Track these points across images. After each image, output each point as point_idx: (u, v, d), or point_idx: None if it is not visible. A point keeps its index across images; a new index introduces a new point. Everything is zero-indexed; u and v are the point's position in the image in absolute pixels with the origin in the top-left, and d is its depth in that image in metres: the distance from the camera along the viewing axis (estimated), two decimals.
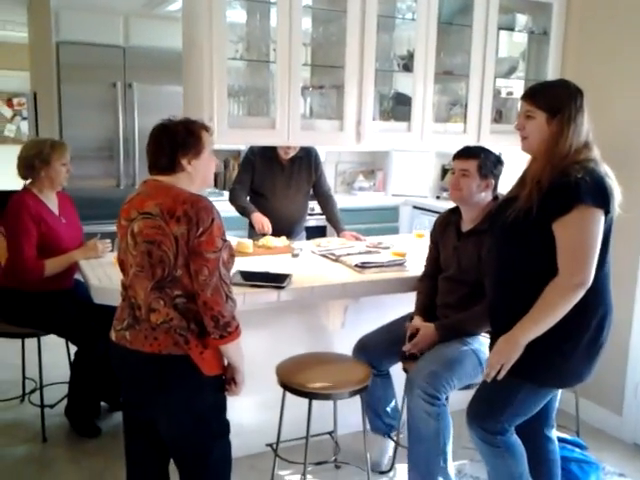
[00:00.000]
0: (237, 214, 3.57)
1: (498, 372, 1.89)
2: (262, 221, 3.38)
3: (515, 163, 2.23)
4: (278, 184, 3.53)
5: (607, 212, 1.83)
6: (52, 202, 2.95)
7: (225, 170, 5.23)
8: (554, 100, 1.91)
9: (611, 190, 1.85)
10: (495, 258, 2.05)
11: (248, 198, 3.58)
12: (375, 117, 3.07)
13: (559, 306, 1.81)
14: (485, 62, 3.16)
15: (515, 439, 2.06)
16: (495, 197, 2.45)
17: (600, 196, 1.82)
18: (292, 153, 3.44)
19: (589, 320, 1.89)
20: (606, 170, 1.90)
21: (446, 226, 2.55)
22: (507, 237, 1.96)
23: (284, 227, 3.46)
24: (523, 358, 1.87)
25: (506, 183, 2.25)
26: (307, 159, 3.55)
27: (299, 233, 3.69)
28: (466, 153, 2.41)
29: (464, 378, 2.33)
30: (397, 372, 2.60)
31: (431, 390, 2.23)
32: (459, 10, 3.18)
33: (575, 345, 1.90)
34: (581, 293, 1.81)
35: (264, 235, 3.29)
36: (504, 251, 1.99)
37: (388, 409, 2.68)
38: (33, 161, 2.83)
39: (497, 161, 2.42)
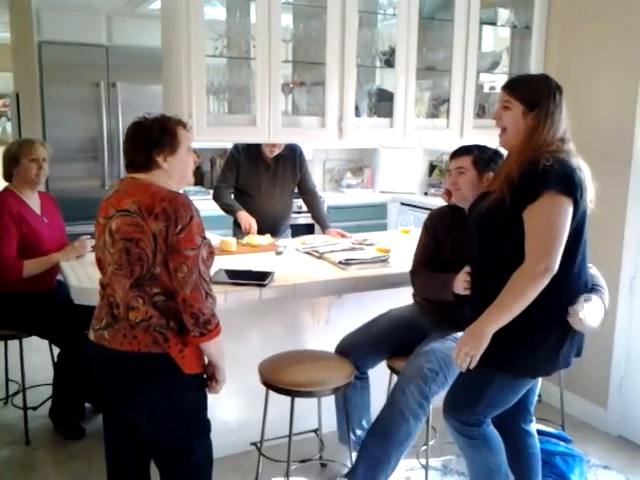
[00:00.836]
0: (222, 213, 3.56)
1: (470, 363, 1.88)
2: (248, 220, 3.36)
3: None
4: (263, 182, 3.51)
5: (575, 201, 1.82)
6: (34, 202, 2.93)
7: (212, 169, 5.21)
8: (533, 94, 1.91)
9: (580, 181, 1.84)
10: (473, 252, 2.05)
11: (232, 196, 3.56)
12: (362, 113, 3.07)
13: (525, 293, 1.80)
14: (467, 57, 3.15)
15: (492, 430, 2.06)
16: None
17: (568, 184, 1.81)
18: (277, 151, 3.43)
19: (558, 311, 1.88)
20: (579, 163, 1.88)
21: (451, 223, 2.42)
22: (481, 229, 1.96)
23: (269, 225, 3.45)
24: (495, 348, 1.86)
25: None
26: (292, 157, 3.54)
27: (284, 231, 3.67)
28: (459, 151, 2.35)
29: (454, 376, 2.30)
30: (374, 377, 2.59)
31: (426, 391, 2.20)
32: (441, 5, 3.18)
33: (545, 336, 1.89)
34: (546, 280, 1.79)
35: (249, 234, 3.28)
36: (480, 243, 1.99)
37: (363, 421, 2.60)
38: (5, 162, 2.86)
39: (495, 154, 2.33)
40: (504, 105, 1.94)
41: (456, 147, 2.41)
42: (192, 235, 1.75)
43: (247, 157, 3.47)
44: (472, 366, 1.88)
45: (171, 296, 1.80)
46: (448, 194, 2.43)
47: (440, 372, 2.23)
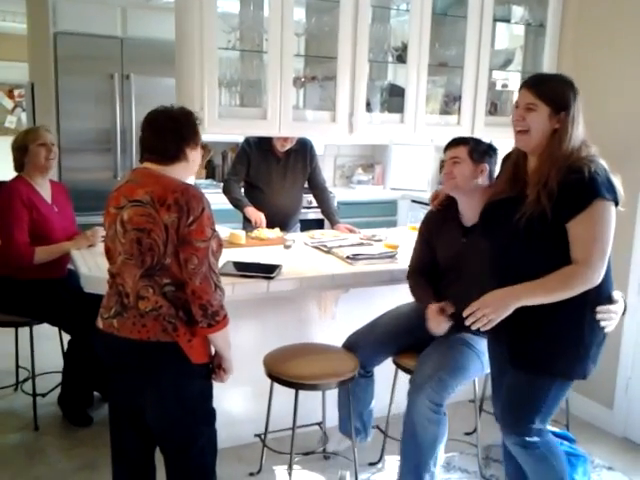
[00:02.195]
0: (231, 206, 3.57)
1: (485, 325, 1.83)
2: (257, 215, 3.38)
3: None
4: (274, 176, 3.52)
5: (616, 205, 1.83)
6: (45, 190, 2.96)
7: (223, 162, 5.23)
8: (560, 97, 1.85)
9: (617, 185, 1.83)
10: (500, 262, 1.98)
11: (243, 190, 3.57)
12: (374, 109, 3.06)
13: (572, 290, 1.80)
14: (480, 54, 3.14)
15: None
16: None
17: (612, 190, 1.81)
18: (288, 146, 3.43)
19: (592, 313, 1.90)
20: (606, 165, 1.86)
21: (443, 222, 2.43)
22: (518, 241, 1.88)
23: (279, 219, 3.46)
24: (549, 355, 1.88)
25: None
26: (302, 151, 3.54)
27: (294, 225, 3.69)
28: (455, 141, 2.36)
29: (467, 380, 2.32)
30: (377, 376, 2.60)
31: (437, 398, 2.20)
32: (454, 1, 3.17)
33: (595, 335, 1.90)
34: (588, 286, 1.81)
35: (259, 227, 3.29)
36: (518, 256, 1.91)
37: (363, 414, 2.62)
38: (15, 153, 2.90)
39: (489, 148, 2.34)
40: (529, 107, 1.87)
41: (450, 139, 2.41)
42: (203, 227, 1.77)
43: (258, 151, 3.48)
44: (484, 329, 1.83)
45: (181, 287, 1.81)
46: (435, 198, 2.48)
47: (448, 379, 2.22)
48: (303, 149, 3.54)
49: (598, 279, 1.81)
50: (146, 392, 1.90)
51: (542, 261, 1.87)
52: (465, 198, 2.35)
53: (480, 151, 2.31)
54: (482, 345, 2.28)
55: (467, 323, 1.85)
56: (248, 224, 3.48)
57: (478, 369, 2.31)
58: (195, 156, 1.91)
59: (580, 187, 1.78)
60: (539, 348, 1.90)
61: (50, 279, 2.89)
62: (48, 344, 3.22)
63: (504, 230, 1.92)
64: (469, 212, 2.34)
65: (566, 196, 1.79)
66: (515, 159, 2.00)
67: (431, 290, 2.40)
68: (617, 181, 1.85)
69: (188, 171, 1.94)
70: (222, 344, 1.90)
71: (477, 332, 2.28)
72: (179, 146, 1.86)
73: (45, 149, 2.90)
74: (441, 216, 2.46)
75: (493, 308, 1.81)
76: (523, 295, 1.82)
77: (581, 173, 1.78)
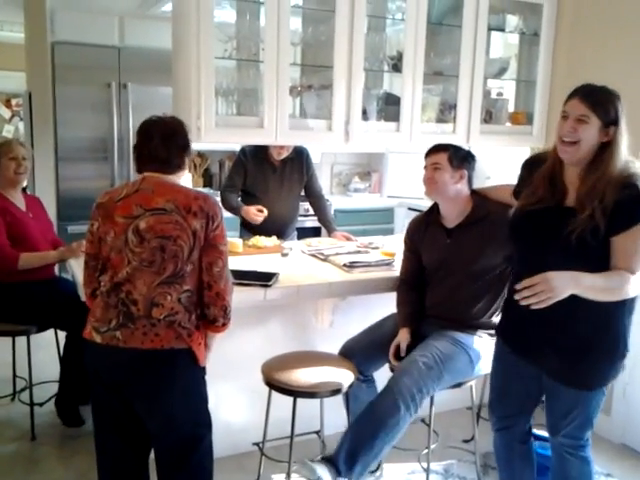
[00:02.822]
0: (229, 214, 3.58)
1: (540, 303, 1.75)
2: (254, 210, 3.38)
3: (509, 162, 2.21)
4: (270, 185, 3.54)
5: None
6: (18, 200, 2.99)
7: (220, 171, 5.24)
8: (612, 111, 1.83)
9: None
10: (536, 268, 1.84)
11: (239, 199, 3.58)
12: (371, 117, 3.08)
13: (626, 292, 1.80)
14: (475, 63, 3.16)
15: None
16: (473, 191, 2.45)
17: None
18: (285, 154, 3.45)
19: (632, 307, 1.92)
20: None
21: (426, 227, 2.52)
22: (570, 255, 1.84)
23: (276, 228, 3.46)
24: (589, 369, 1.91)
25: (503, 180, 2.21)
26: (298, 160, 3.56)
27: (290, 234, 3.69)
28: (436, 148, 2.43)
29: (455, 375, 2.32)
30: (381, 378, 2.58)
31: (419, 386, 2.20)
32: (449, 10, 3.19)
33: (626, 343, 1.92)
34: (632, 294, 1.83)
35: (259, 221, 3.35)
36: (562, 265, 1.82)
37: None
38: None
39: (467, 154, 2.43)
40: (581, 118, 1.82)
41: (431, 145, 2.47)
42: (223, 231, 1.90)
43: (254, 160, 3.49)
44: (536, 306, 1.72)
45: (196, 292, 1.88)
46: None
47: (435, 367, 2.24)
48: (299, 157, 3.55)
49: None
50: (155, 400, 1.88)
51: (584, 270, 1.82)
52: (446, 202, 2.44)
53: (459, 158, 2.40)
54: (469, 340, 2.34)
55: (518, 297, 1.73)
56: (245, 231, 3.49)
57: (465, 360, 2.31)
58: (188, 164, 2.01)
59: (634, 203, 1.78)
60: (582, 364, 1.92)
61: (37, 280, 2.89)
62: (45, 353, 3.21)
63: (549, 241, 1.89)
64: (451, 215, 2.44)
65: (619, 211, 1.78)
66: (551, 167, 1.95)
67: (412, 311, 2.49)
68: None
69: (184, 179, 2.00)
70: (214, 344, 2.02)
71: (464, 329, 2.35)
72: (181, 155, 1.94)
73: (15, 163, 2.92)
74: (423, 222, 2.55)
75: (554, 285, 1.70)
76: (586, 281, 1.77)
77: (635, 189, 1.78)
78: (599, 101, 1.83)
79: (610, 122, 1.82)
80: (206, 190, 4.99)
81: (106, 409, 1.99)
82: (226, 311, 1.92)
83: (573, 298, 1.77)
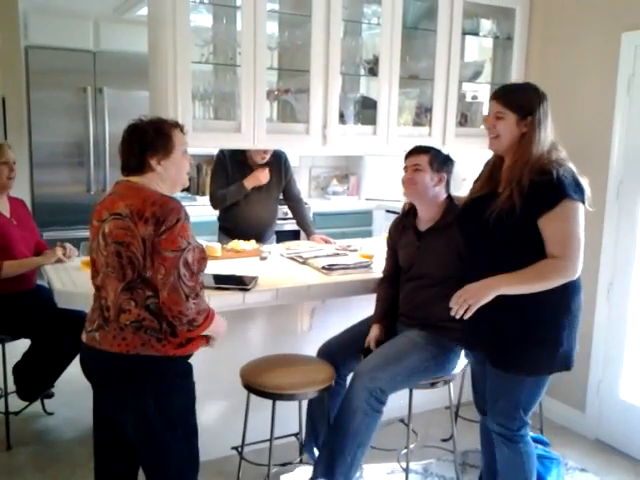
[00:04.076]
0: (209, 218, 3.57)
1: (466, 310, 1.92)
2: (259, 176, 3.37)
3: (480, 165, 2.26)
4: (250, 189, 3.53)
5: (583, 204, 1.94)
6: (2, 205, 2.94)
7: (198, 175, 5.22)
8: (525, 102, 2.00)
9: (584, 185, 1.94)
10: (472, 258, 2.10)
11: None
12: (348, 121, 3.10)
13: (550, 282, 1.91)
14: (450, 66, 3.20)
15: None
16: (449, 196, 2.48)
17: (579, 191, 1.92)
18: (268, 157, 3.43)
19: (574, 304, 2.01)
20: (574, 168, 1.98)
21: (402, 229, 2.58)
22: (491, 237, 1.99)
23: (255, 231, 3.46)
24: (517, 354, 1.98)
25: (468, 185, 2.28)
26: (277, 163, 3.56)
27: (269, 237, 3.69)
28: (417, 150, 2.47)
29: (410, 374, 2.32)
30: None
31: (372, 387, 2.23)
32: (424, 15, 3.23)
33: (570, 330, 1.99)
34: (564, 280, 1.91)
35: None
36: (490, 251, 2.02)
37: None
38: None
39: (447, 158, 2.48)
40: (498, 115, 2.01)
41: (412, 147, 2.51)
42: (174, 237, 1.75)
43: (232, 161, 3.48)
44: (466, 316, 1.93)
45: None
46: (406, 209, 2.62)
47: (387, 367, 2.26)
48: (278, 161, 3.55)
49: (575, 272, 1.91)
50: (127, 407, 1.88)
51: (512, 257, 1.96)
52: (423, 204, 2.48)
53: (440, 161, 2.44)
54: (431, 340, 2.36)
55: (452, 313, 1.95)
56: (224, 236, 3.49)
57: (424, 357, 2.33)
58: (168, 165, 1.86)
59: (549, 187, 1.90)
60: (512, 348, 1.99)
61: (17, 292, 2.85)
62: None
63: (477, 226, 2.03)
64: (425, 217, 2.49)
65: (535, 195, 1.90)
66: (492, 161, 2.13)
67: (388, 308, 2.53)
68: (585, 183, 1.96)
69: (165, 182, 1.88)
70: (214, 332, 1.92)
71: (429, 329, 2.39)
72: (141, 157, 1.84)
73: (7, 168, 2.88)
74: (401, 223, 2.60)
75: (471, 294, 1.92)
76: (502, 284, 1.93)
77: (550, 175, 1.90)
78: (512, 98, 2.02)
79: (526, 114, 1.97)
80: (183, 194, 4.97)
81: (99, 410, 2.00)
82: (182, 321, 1.78)
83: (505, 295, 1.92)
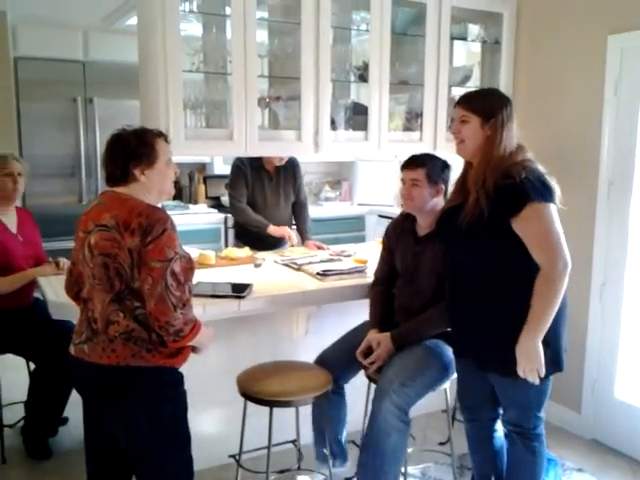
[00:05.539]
0: (210, 226, 3.58)
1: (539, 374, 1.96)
2: (284, 231, 3.49)
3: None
4: (268, 194, 3.60)
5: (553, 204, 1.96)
6: (9, 218, 2.92)
7: (190, 183, 5.22)
8: (488, 106, 2.04)
9: (553, 185, 1.96)
10: (452, 264, 2.13)
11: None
12: (339, 127, 3.12)
13: (555, 296, 1.91)
14: (439, 71, 3.23)
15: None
16: None
17: (547, 191, 1.93)
18: (284, 161, 3.53)
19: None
20: (543, 168, 2.00)
21: (401, 232, 2.57)
22: (464, 243, 2.03)
23: (275, 237, 3.51)
24: (507, 356, 1.97)
25: None
26: (291, 168, 3.66)
27: (286, 243, 3.72)
28: (414, 163, 2.44)
29: (432, 385, 2.35)
30: (352, 388, 2.61)
31: (401, 403, 2.23)
32: (412, 21, 3.25)
33: (555, 331, 2.00)
34: (567, 277, 1.91)
35: (292, 245, 3.46)
36: (464, 257, 2.05)
37: (340, 436, 2.61)
38: None
39: (444, 166, 2.47)
40: (462, 119, 2.06)
41: (408, 157, 2.49)
42: (161, 247, 1.74)
43: (252, 169, 3.54)
44: (543, 375, 1.95)
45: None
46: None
47: (411, 383, 2.26)
48: (291, 165, 3.65)
49: (566, 268, 1.91)
50: (118, 418, 1.88)
51: (487, 263, 1.99)
52: (422, 215, 2.49)
53: (437, 173, 2.42)
54: (443, 348, 2.37)
55: (530, 380, 1.96)
56: (240, 243, 3.51)
57: (441, 371, 2.35)
58: (152, 175, 1.85)
59: (512, 191, 1.92)
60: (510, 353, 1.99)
61: (14, 309, 2.83)
62: (14, 374, 3.13)
63: (453, 233, 2.07)
64: (424, 223, 2.49)
65: (501, 199, 1.93)
66: (464, 169, 2.16)
67: (382, 312, 2.53)
68: (553, 182, 1.97)
69: (151, 191, 1.87)
70: (199, 342, 1.90)
71: (438, 336, 2.39)
72: (124, 167, 1.83)
73: (11, 180, 2.86)
74: (399, 227, 2.60)
75: (530, 362, 1.94)
76: (534, 336, 1.93)
77: (513, 179, 1.92)
78: (475, 102, 2.07)
79: (489, 117, 2.00)
80: (175, 203, 4.96)
81: (90, 422, 1.99)
82: (168, 332, 1.76)
83: (487, 293, 1.98)
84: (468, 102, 2.08)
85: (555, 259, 1.90)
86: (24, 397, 3.03)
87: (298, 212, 3.76)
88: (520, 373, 1.96)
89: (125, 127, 1.89)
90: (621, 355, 2.97)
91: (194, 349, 1.94)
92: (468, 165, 2.12)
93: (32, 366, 2.98)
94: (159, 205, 1.91)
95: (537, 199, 1.90)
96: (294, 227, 3.72)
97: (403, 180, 2.47)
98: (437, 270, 2.36)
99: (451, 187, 2.40)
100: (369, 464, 2.29)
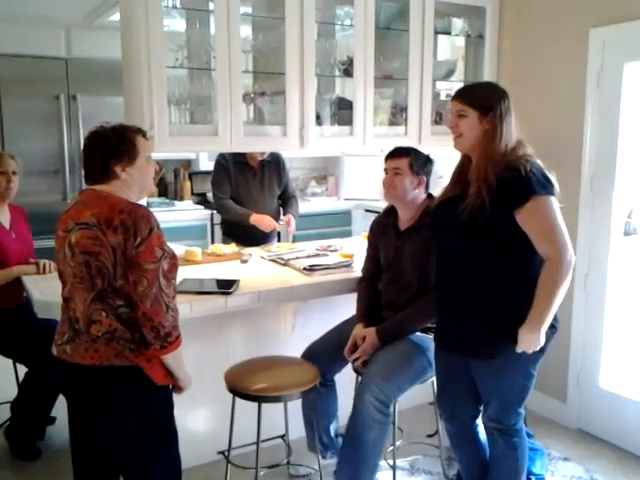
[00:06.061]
0: (196, 222, 3.57)
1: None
2: (266, 220, 3.47)
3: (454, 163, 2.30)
4: (253, 189, 3.60)
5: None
6: (3, 216, 2.90)
7: (175, 180, 5.19)
8: (485, 100, 2.02)
9: (553, 180, 1.98)
10: (446, 259, 2.12)
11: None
12: (324, 122, 3.12)
13: (560, 287, 1.93)
14: (423, 66, 3.24)
15: (524, 433, 2.18)
16: (429, 195, 2.51)
17: (549, 185, 1.95)
18: (266, 156, 3.53)
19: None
20: (541, 163, 2.01)
21: (384, 227, 2.59)
22: (464, 236, 2.02)
23: (262, 232, 3.51)
24: (501, 337, 2.00)
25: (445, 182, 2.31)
26: (275, 163, 3.66)
27: (274, 237, 3.72)
28: (397, 152, 2.48)
29: (415, 379, 2.37)
30: (342, 382, 2.62)
31: (383, 396, 2.25)
32: (396, 15, 3.26)
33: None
34: (572, 268, 1.94)
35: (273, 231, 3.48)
36: (463, 250, 2.04)
37: (330, 427, 2.64)
38: None
39: (427, 160, 2.49)
40: (460, 113, 2.04)
41: (392, 148, 2.51)
42: (152, 248, 1.73)
43: (235, 164, 3.54)
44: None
45: (135, 308, 1.78)
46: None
47: (393, 378, 2.28)
48: (276, 160, 3.65)
49: (572, 260, 1.94)
50: (104, 419, 1.85)
51: (485, 255, 2.00)
52: (403, 206, 2.50)
53: (420, 164, 2.45)
54: (427, 342, 2.38)
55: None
56: (227, 239, 3.50)
57: (425, 366, 2.37)
58: (133, 172, 1.84)
59: (517, 184, 1.92)
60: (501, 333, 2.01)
61: (4, 308, 2.80)
62: (1, 375, 3.11)
63: (449, 226, 2.06)
64: (405, 217, 2.51)
65: (505, 192, 1.93)
66: (461, 161, 2.15)
67: (369, 307, 2.54)
68: (552, 177, 1.99)
69: (132, 189, 1.86)
70: (173, 364, 1.85)
71: (424, 330, 2.40)
72: (105, 164, 1.81)
73: (5, 178, 2.84)
74: (383, 222, 2.62)
75: (533, 346, 1.97)
76: (538, 323, 1.95)
77: (518, 171, 1.92)
78: (472, 96, 2.06)
79: (487, 110, 2.00)
80: (161, 200, 4.94)
81: (74, 422, 1.98)
82: (158, 333, 1.74)
83: (480, 287, 2.00)
84: (465, 96, 2.06)
85: (562, 250, 1.92)
86: (11, 398, 3.01)
87: (286, 201, 3.78)
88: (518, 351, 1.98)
89: (103, 124, 1.87)
90: (605, 345, 3.01)
91: (177, 388, 1.93)
92: (465, 158, 2.12)
93: (20, 367, 2.96)
94: (140, 202, 1.89)
95: (542, 192, 1.91)
96: (281, 222, 3.72)
97: (386, 170, 2.50)
98: (418, 263, 2.38)
99: (436, 181, 2.42)
100: (351, 457, 2.31)
